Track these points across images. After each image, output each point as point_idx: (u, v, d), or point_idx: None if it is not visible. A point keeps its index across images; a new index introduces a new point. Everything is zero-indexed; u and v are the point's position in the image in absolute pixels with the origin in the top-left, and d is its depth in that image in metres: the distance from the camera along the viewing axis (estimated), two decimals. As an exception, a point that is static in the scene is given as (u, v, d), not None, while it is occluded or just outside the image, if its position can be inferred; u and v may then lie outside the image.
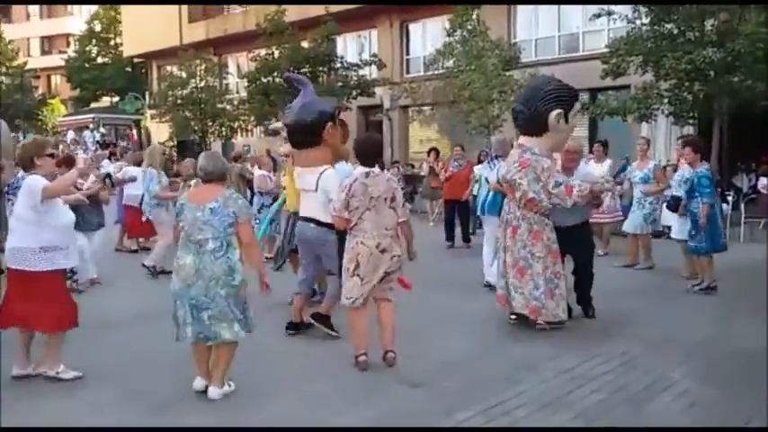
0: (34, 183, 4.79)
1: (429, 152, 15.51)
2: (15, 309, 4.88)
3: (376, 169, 5.26)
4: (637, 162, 9.88)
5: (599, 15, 14.40)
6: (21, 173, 4.99)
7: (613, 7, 14.14)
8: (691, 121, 14.39)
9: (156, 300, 6.54)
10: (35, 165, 4.94)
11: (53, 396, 4.70)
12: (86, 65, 42.36)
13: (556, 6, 20.43)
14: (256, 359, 5.32)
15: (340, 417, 4.32)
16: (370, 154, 5.35)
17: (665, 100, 13.87)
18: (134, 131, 35.20)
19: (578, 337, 6.02)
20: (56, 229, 4.87)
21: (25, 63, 43.55)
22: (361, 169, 5.28)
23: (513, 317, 6.42)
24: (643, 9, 13.60)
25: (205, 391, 4.61)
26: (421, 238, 10.05)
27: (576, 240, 6.53)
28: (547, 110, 6.10)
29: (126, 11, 34.93)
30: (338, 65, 21.59)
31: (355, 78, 21.48)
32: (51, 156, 5.14)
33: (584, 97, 15.37)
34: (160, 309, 5.35)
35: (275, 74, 21.13)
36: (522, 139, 6.37)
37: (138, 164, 10.46)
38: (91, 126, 34.98)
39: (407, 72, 23.92)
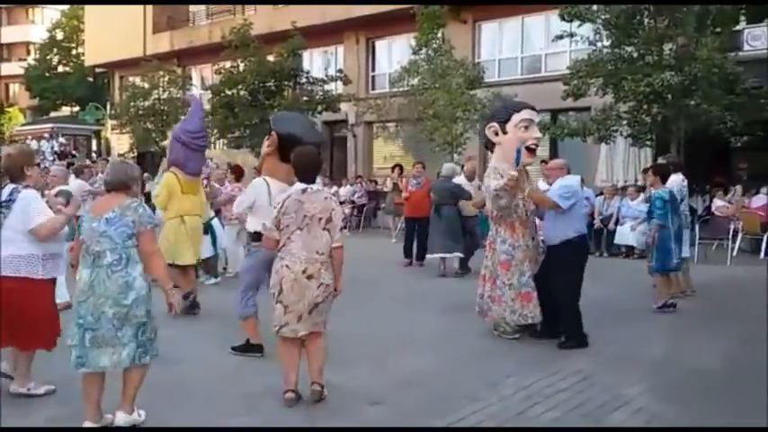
0: (28, 214, 4.65)
1: (393, 168, 15.57)
2: (4, 323, 4.66)
3: (314, 186, 4.79)
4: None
5: (561, 37, 14.65)
6: (10, 185, 4.79)
7: (575, 29, 14.41)
8: (648, 143, 14.69)
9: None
10: (25, 175, 4.82)
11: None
12: (47, 74, 41.64)
13: (519, 27, 20.75)
14: (212, 374, 5.24)
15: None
16: (308, 168, 4.84)
17: (624, 122, 14.15)
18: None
19: (539, 354, 6.06)
20: (57, 237, 4.81)
21: (-18, 70, 42.72)
22: (297, 185, 4.79)
23: (496, 332, 6.73)
24: (604, 32, 13.89)
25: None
26: (383, 255, 10.16)
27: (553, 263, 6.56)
28: (486, 128, 7.00)
29: (89, 20, 34.40)
30: (304, 80, 21.56)
31: (321, 93, 21.48)
32: (38, 165, 5.01)
33: (546, 118, 15.61)
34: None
35: (240, 87, 21.01)
36: None
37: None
38: (46, 136, 34.26)
39: (373, 88, 24.01)
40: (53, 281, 4.92)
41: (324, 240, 4.66)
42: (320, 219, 4.66)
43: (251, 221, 5.91)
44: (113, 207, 4.22)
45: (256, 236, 5.82)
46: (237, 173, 10.51)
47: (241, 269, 6.36)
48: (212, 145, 25.02)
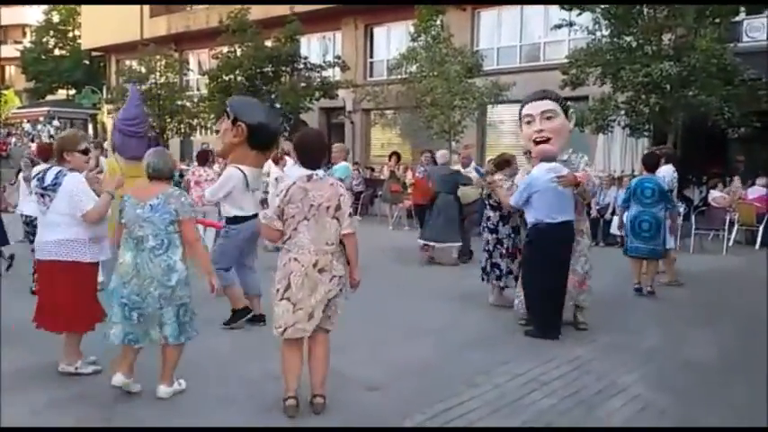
0: (75, 196, 4.78)
1: (390, 156, 15.55)
2: (48, 306, 4.85)
3: (320, 172, 4.41)
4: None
5: (560, 26, 14.62)
6: (54, 168, 4.94)
7: (574, 18, 14.39)
8: (646, 134, 14.70)
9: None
10: (65, 159, 4.93)
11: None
12: (43, 56, 41.35)
13: (518, 16, 20.70)
14: (212, 360, 5.27)
15: (299, 419, 4.29)
16: (314, 153, 4.47)
17: (622, 112, 14.16)
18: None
19: (533, 343, 6.11)
20: (102, 220, 4.92)
21: (-23, 52, 42.44)
22: (301, 171, 4.43)
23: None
24: (603, 21, 13.87)
25: (120, 388, 4.51)
26: (380, 242, 10.19)
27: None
28: None
29: (86, 3, 34.18)
30: (301, 65, 21.48)
31: (318, 79, 21.42)
32: (84, 151, 5.02)
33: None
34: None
35: (237, 72, 20.92)
36: None
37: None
38: (42, 119, 34.14)
39: (371, 75, 23.95)
40: (98, 263, 5.02)
41: (333, 230, 4.27)
42: (328, 207, 4.26)
43: (227, 207, 6.34)
44: (157, 194, 4.43)
45: (233, 219, 6.30)
46: (202, 158, 10.77)
47: (216, 252, 6.42)
48: (209, 130, 25.02)
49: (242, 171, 6.22)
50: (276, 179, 11.85)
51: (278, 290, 4.30)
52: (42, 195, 4.89)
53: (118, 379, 4.48)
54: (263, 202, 13.01)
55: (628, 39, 13.69)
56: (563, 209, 6.33)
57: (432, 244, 10.46)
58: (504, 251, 7.58)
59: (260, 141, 6.17)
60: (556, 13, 15.92)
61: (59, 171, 4.89)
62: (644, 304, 7.87)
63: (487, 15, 21.43)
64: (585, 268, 6.75)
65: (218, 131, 6.57)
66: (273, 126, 6.15)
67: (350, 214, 4.37)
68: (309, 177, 4.31)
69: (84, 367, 4.97)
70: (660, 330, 6.74)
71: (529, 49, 20.61)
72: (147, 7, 29.96)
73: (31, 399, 4.52)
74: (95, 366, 5.00)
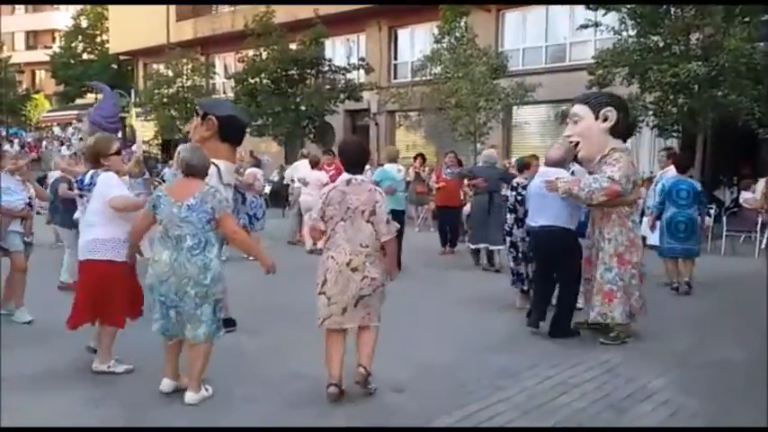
0: (105, 189, 4.91)
1: (415, 158, 15.54)
2: (90, 303, 4.94)
3: (359, 177, 4.71)
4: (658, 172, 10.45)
5: (586, 26, 14.51)
6: (90, 170, 5.14)
7: (600, 18, 14.26)
8: (675, 134, 14.53)
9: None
10: (101, 163, 5.07)
11: (19, 394, 4.65)
12: (72, 61, 41.98)
13: (544, 16, 20.59)
14: (234, 360, 5.31)
15: (323, 419, 4.31)
16: (356, 159, 4.81)
17: (650, 112, 14.00)
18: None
19: (561, 346, 6.04)
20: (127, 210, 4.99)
21: (9, 57, 43.11)
22: (343, 176, 4.77)
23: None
24: (630, 21, 13.73)
25: (171, 393, 4.58)
26: (406, 244, 10.15)
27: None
28: None
29: (113, 7, 34.72)
30: (326, 68, 21.58)
31: (343, 82, 21.49)
32: (118, 153, 5.21)
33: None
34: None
35: (262, 75, 21.08)
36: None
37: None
38: (73, 122, 34.63)
39: (395, 77, 23.98)
40: (135, 262, 5.09)
41: (367, 233, 4.56)
42: (363, 211, 4.56)
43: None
44: (194, 193, 4.45)
45: None
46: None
47: None
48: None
49: (216, 165, 5.99)
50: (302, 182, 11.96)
51: (317, 284, 4.64)
52: (81, 196, 5.12)
53: (165, 384, 4.59)
54: (286, 199, 13.00)
55: (655, 38, 13.54)
56: (545, 213, 6.35)
57: (494, 248, 9.92)
58: (518, 255, 7.57)
59: (230, 134, 6.19)
60: (581, 13, 15.80)
61: (95, 172, 5.07)
62: (673, 307, 7.76)
63: (512, 16, 21.34)
64: (608, 278, 6.21)
65: (187, 132, 6.63)
66: (242, 119, 6.32)
67: (387, 221, 4.62)
68: (349, 182, 4.64)
69: (117, 366, 5.04)
70: (690, 333, 6.64)
71: (554, 50, 20.49)
72: (173, 11, 30.32)
73: (65, 398, 4.59)
74: (127, 366, 5.07)
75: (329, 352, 4.64)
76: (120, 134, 8.91)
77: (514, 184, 7.78)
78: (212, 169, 6.12)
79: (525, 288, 7.51)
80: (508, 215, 7.72)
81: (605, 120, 6.33)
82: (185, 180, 4.59)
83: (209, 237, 4.46)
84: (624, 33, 13.85)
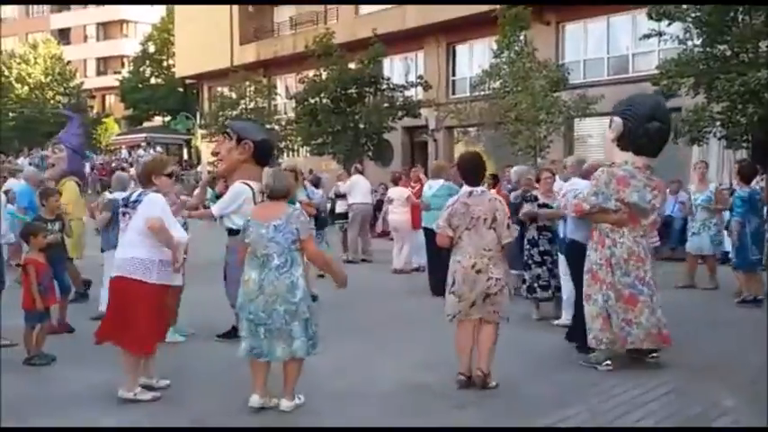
0: (149, 209, 4.91)
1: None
2: (116, 321, 4.94)
3: (479, 189, 5.25)
4: (695, 185, 10.03)
5: (649, 36, 14.22)
6: (139, 189, 5.22)
7: (664, 28, 13.97)
8: (744, 145, 14.04)
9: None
10: (152, 183, 5.14)
11: (91, 408, 4.82)
12: (140, 85, 43.57)
13: (604, 27, 20.32)
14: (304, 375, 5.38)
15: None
16: (475, 172, 5.32)
17: (718, 123, 13.58)
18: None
19: (622, 364, 5.82)
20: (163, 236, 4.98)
21: (82, 83, 45.07)
22: (465, 188, 5.30)
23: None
24: (695, 30, 13.40)
25: (261, 409, 4.65)
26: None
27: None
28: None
29: (179, 33, 35.89)
30: (384, 86, 21.77)
31: (401, 99, 21.64)
32: (170, 175, 5.33)
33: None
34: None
35: (322, 95, 21.41)
36: (650, 160, 5.93)
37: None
38: (143, 145, 35.90)
39: (453, 93, 23.99)
40: (166, 287, 5.10)
41: (489, 238, 5.10)
42: (485, 219, 5.09)
43: (235, 219, 6.26)
44: (279, 215, 4.62)
45: (236, 231, 6.01)
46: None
47: (228, 266, 6.41)
48: (296, 152, 25.67)
49: (250, 186, 6.33)
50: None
51: (447, 284, 5.22)
52: (124, 213, 5.14)
53: (254, 400, 4.65)
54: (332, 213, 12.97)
55: (721, 47, 13.15)
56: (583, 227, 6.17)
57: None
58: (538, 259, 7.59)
59: (264, 156, 6.42)
60: (644, 22, 15.51)
61: (143, 191, 5.13)
62: (737, 323, 7.47)
63: (572, 28, 21.13)
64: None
65: (216, 154, 6.72)
66: (273, 141, 6.85)
67: (508, 225, 5.16)
68: (470, 193, 5.19)
69: (143, 394, 4.94)
70: (757, 350, 6.35)
71: (617, 61, 20.17)
72: (236, 35, 31.16)
73: (132, 412, 4.74)
74: (155, 393, 4.99)
75: (460, 342, 5.17)
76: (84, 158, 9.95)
77: (533, 196, 7.82)
78: (248, 190, 6.29)
79: (545, 295, 7.51)
80: (530, 227, 7.66)
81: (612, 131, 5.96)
82: (270, 203, 4.78)
83: (295, 256, 4.62)
84: (689, 43, 13.51)
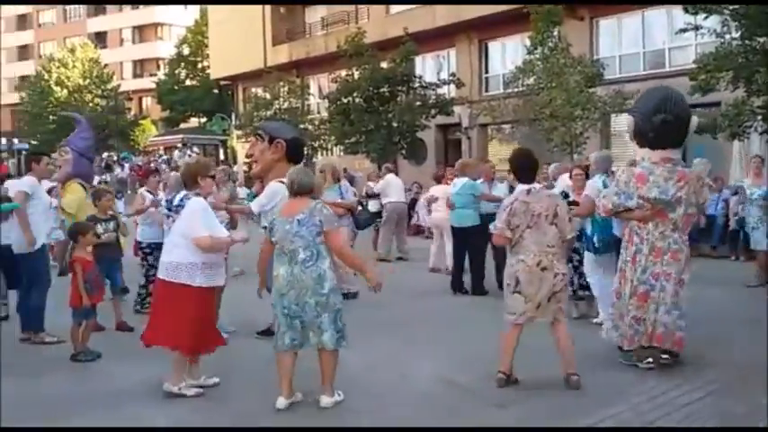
0: (191, 218, 4.97)
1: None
2: (160, 324, 5.01)
3: (536, 185, 5.24)
4: (750, 180, 9.83)
5: (685, 30, 13.98)
6: (182, 192, 5.29)
7: (701, 22, 13.72)
8: (787, 139, 13.75)
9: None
10: (198, 184, 5.24)
11: (135, 403, 4.92)
12: (175, 87, 44.12)
13: (640, 22, 20.05)
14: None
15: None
16: (529, 169, 5.29)
17: (759, 117, 13.30)
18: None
19: (663, 364, 5.70)
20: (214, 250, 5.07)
21: (119, 86, 45.86)
22: (521, 187, 5.22)
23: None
24: (732, 23, 13.13)
25: (292, 404, 4.71)
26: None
27: None
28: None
29: (213, 35, 36.31)
30: (417, 84, 21.76)
31: (434, 97, 21.60)
32: (212, 177, 5.44)
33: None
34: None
35: (355, 94, 21.49)
36: (669, 152, 5.80)
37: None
38: (179, 146, 36.39)
39: (486, 90, 23.88)
40: (212, 288, 5.15)
41: (552, 234, 5.06)
42: (546, 216, 5.05)
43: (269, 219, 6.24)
44: (302, 209, 4.69)
45: None
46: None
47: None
48: (329, 151, 25.80)
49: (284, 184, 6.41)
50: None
51: (508, 284, 5.15)
52: (168, 216, 5.26)
53: (281, 402, 4.69)
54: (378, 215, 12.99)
55: (761, 40, 12.88)
56: None
57: None
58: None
59: (296, 154, 6.49)
60: (680, 16, 15.25)
61: (186, 195, 5.22)
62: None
63: (606, 23, 20.88)
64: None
65: (250, 156, 6.76)
66: (303, 139, 6.89)
67: (570, 219, 5.19)
68: (528, 191, 5.13)
69: (188, 389, 5.01)
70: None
71: (653, 56, 19.90)
72: (269, 36, 31.41)
73: (177, 406, 4.83)
74: (198, 389, 5.06)
75: (509, 342, 5.13)
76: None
77: (564, 193, 7.60)
78: (284, 190, 6.31)
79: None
80: None
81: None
82: (295, 199, 4.83)
83: (321, 249, 4.66)
84: (727, 36, 13.25)
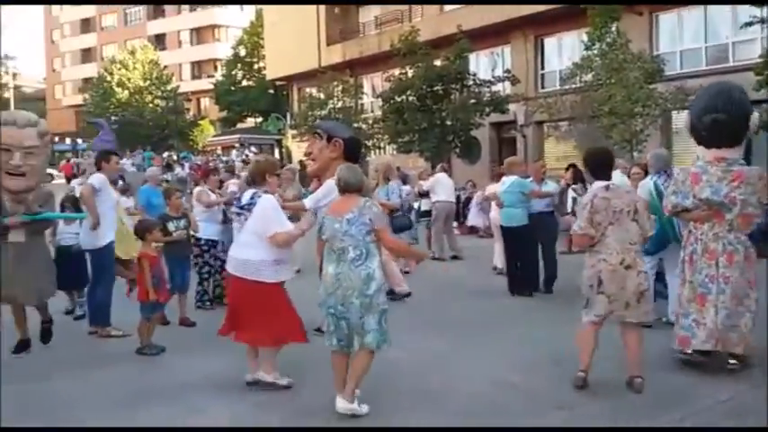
0: (264, 216, 5.10)
1: (567, 168, 15.12)
2: (233, 316, 5.23)
3: (613, 182, 5.20)
4: None
5: (750, 24, 13.56)
6: (250, 189, 5.41)
7: (766, 14, 13.28)
8: None
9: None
10: (266, 181, 5.39)
11: (198, 396, 5.04)
12: (232, 88, 44.93)
13: (701, 16, 19.50)
14: (389, 373, 5.42)
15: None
16: (605, 166, 5.27)
17: (830, 112, 12.81)
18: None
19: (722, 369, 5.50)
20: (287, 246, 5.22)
21: (177, 87, 47.00)
22: (598, 183, 5.17)
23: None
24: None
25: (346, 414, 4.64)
26: (562, 258, 9.92)
27: None
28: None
29: (268, 37, 36.86)
30: (470, 82, 21.62)
31: (488, 95, 21.42)
32: (278, 176, 5.64)
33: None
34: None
35: (408, 93, 21.48)
36: (724, 151, 5.63)
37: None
38: (236, 146, 36.96)
39: (542, 87, 23.58)
40: (283, 282, 5.26)
41: (634, 231, 4.98)
42: (628, 211, 4.99)
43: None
44: (351, 208, 4.67)
45: None
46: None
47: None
48: (383, 150, 25.88)
49: None
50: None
51: (591, 286, 5.03)
52: (239, 215, 5.35)
53: (341, 406, 4.60)
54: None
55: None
56: None
57: None
58: None
59: (353, 152, 6.52)
60: (745, 9, 14.78)
61: (255, 192, 5.30)
62: None
63: (666, 18, 20.38)
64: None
65: (308, 154, 6.80)
66: (359, 138, 7.03)
67: (648, 216, 5.14)
68: (607, 187, 5.08)
69: (282, 379, 5.16)
70: None
71: (715, 50, 19.33)
72: (323, 37, 31.72)
73: (240, 402, 4.93)
74: (290, 380, 5.18)
75: (589, 342, 5.04)
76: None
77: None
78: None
79: None
80: None
81: None
82: (344, 197, 4.82)
83: (370, 248, 4.62)
84: (796, 28, 12.80)
